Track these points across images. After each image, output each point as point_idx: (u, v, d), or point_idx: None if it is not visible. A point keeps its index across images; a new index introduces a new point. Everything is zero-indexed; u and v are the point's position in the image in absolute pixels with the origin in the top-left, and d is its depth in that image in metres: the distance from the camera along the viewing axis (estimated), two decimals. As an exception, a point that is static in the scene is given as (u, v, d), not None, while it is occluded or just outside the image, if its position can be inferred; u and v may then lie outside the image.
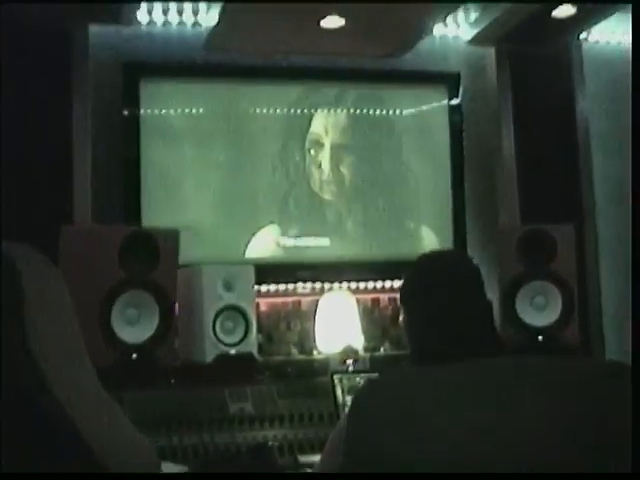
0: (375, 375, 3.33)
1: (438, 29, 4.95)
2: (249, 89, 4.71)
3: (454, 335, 1.84)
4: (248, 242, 4.62)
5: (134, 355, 3.50)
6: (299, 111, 4.75)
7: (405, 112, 4.93)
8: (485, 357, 1.76)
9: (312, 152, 4.75)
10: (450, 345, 1.83)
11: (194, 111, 4.62)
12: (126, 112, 4.49)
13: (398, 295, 4.72)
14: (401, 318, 2.00)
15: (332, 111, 4.81)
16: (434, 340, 1.87)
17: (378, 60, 4.82)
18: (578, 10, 4.52)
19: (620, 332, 4.90)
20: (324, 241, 4.72)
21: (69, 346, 1.52)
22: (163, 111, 4.57)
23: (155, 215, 4.43)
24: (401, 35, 4.54)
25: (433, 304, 1.88)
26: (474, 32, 4.92)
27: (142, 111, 4.51)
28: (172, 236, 3.67)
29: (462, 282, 1.90)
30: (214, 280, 3.77)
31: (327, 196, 4.75)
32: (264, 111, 4.70)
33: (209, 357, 3.71)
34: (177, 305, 3.70)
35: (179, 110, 4.60)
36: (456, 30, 5.06)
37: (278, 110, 4.73)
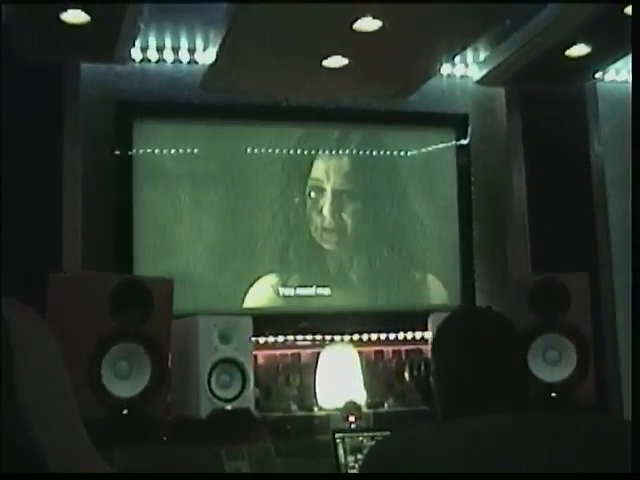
0: (386, 433, 3.36)
1: (445, 68, 5.02)
2: (247, 130, 4.77)
3: (484, 392, 1.87)
4: (246, 291, 4.64)
5: (125, 410, 3.50)
6: (299, 153, 4.80)
7: (411, 155, 4.98)
8: (511, 414, 1.80)
9: (313, 197, 4.79)
10: (478, 402, 1.86)
11: (189, 152, 4.67)
12: (118, 153, 4.54)
13: (403, 348, 4.74)
14: (431, 368, 2.03)
15: (334, 154, 4.85)
16: (462, 395, 1.90)
17: (383, 101, 4.88)
18: (593, 49, 4.55)
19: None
20: (325, 291, 4.74)
21: (60, 406, 1.57)
22: (157, 152, 4.62)
23: (148, 262, 4.47)
24: (407, 75, 4.60)
25: (465, 359, 1.91)
26: (483, 72, 4.98)
27: (135, 152, 4.57)
28: (166, 285, 3.68)
29: (496, 338, 1.94)
30: (210, 331, 3.79)
31: (327, 245, 4.79)
32: (263, 153, 4.75)
33: (204, 413, 3.71)
34: (170, 357, 3.71)
35: (174, 151, 4.65)
36: (464, 70, 5.13)
37: (277, 152, 4.78)
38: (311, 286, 4.72)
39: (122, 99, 4.57)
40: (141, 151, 4.58)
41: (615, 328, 5.06)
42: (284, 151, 4.79)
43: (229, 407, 3.76)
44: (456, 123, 5.06)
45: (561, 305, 4.14)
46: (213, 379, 3.76)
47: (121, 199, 4.52)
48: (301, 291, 4.70)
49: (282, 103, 4.80)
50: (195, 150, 4.67)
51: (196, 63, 4.72)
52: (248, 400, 3.81)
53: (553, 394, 4.06)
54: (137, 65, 4.67)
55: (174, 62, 4.73)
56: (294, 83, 4.61)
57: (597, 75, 5.16)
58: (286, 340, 4.64)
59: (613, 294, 5.10)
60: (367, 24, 3.91)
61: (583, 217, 5.13)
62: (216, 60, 4.34)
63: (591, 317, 4.20)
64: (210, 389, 3.74)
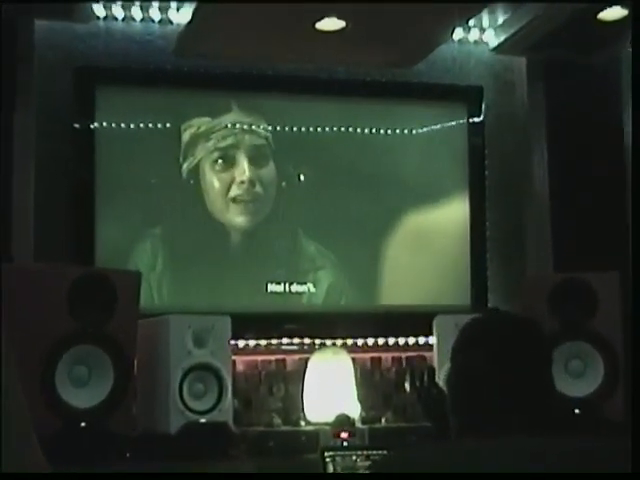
0: (383, 452, 3.40)
1: (457, 33, 5.03)
2: (226, 101, 4.77)
3: (503, 407, 1.89)
4: (223, 287, 4.66)
5: (83, 423, 3.52)
6: (287, 130, 4.81)
7: (416, 133, 4.99)
8: (531, 436, 1.83)
9: (303, 180, 4.81)
10: (498, 419, 1.88)
11: (160, 126, 4.68)
12: (78, 125, 4.55)
13: (404, 354, 4.75)
14: (444, 376, 2.05)
15: (327, 130, 4.86)
16: (479, 409, 1.92)
17: (384, 70, 4.90)
18: (630, 11, 4.53)
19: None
20: (314, 288, 4.76)
21: (6, 418, 1.58)
22: (123, 125, 4.63)
23: (112, 252, 4.49)
24: (412, 41, 4.60)
25: (487, 368, 1.92)
26: (501, 38, 5.00)
27: (97, 125, 4.57)
28: (132, 279, 3.70)
29: (526, 349, 1.95)
30: (182, 333, 3.80)
31: (318, 235, 4.80)
32: (246, 129, 4.75)
33: (174, 427, 3.73)
34: (136, 363, 3.72)
35: (142, 124, 4.65)
36: (479, 35, 5.13)
37: (262, 128, 4.78)
38: (298, 283, 4.74)
39: (82, 64, 4.58)
40: (104, 123, 4.59)
41: (649, 335, 5.09)
42: (269, 127, 4.79)
43: (203, 420, 3.78)
44: (469, 97, 5.07)
45: (587, 309, 4.15)
46: (185, 388, 3.77)
47: (81, 178, 4.52)
48: (287, 288, 4.72)
49: (268, 71, 4.82)
50: (167, 124, 4.68)
51: (169, 23, 4.72)
52: (225, 413, 3.83)
53: (577, 410, 4.07)
54: (100, 24, 4.67)
55: (143, 21, 4.73)
56: (282, 48, 4.61)
57: (634, 42, 5.15)
58: (270, 344, 4.65)
59: (647, 296, 5.11)
60: (368, -19, 3.93)
61: (614, 207, 5.13)
62: (192, 20, 4.34)
63: (621, 323, 4.21)
64: (182, 399, 3.75)
